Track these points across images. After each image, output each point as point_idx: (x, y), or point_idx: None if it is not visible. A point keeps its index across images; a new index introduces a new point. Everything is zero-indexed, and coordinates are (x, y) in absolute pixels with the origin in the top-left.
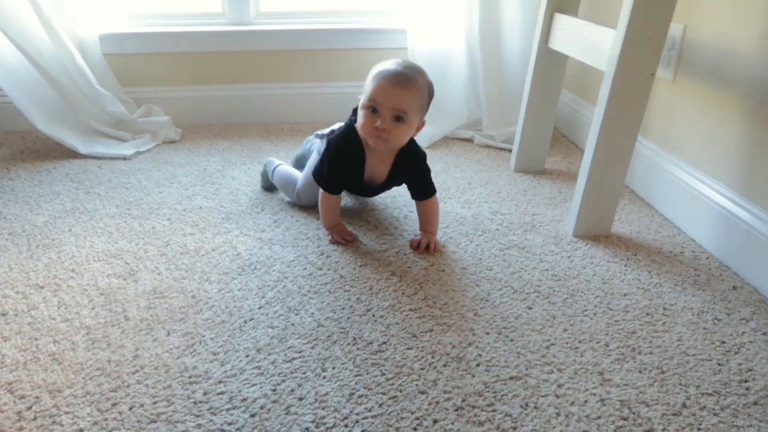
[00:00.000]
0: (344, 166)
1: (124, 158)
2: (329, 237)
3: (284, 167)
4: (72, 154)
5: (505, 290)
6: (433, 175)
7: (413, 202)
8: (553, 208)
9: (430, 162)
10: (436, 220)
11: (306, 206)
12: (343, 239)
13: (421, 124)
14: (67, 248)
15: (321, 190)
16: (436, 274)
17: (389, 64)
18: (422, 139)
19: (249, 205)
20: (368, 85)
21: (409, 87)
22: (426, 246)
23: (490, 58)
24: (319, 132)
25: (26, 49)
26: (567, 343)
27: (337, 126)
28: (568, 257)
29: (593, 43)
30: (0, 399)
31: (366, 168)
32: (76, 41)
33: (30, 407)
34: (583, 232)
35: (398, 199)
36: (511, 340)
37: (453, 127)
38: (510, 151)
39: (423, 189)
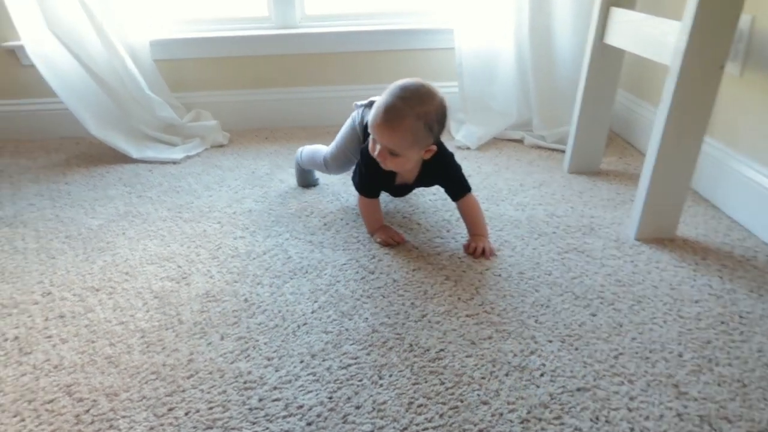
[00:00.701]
0: (377, 173)
1: (175, 162)
2: (376, 241)
3: (309, 146)
4: (124, 159)
5: (567, 296)
6: (483, 177)
7: None
8: (612, 210)
9: (479, 164)
10: (481, 220)
11: (335, 175)
12: (391, 239)
13: (429, 150)
14: (121, 251)
15: (359, 196)
16: (492, 278)
17: (389, 95)
18: (470, 140)
19: (298, 208)
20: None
21: (395, 128)
22: (482, 251)
23: (540, 55)
24: (359, 103)
25: (80, 56)
26: (636, 352)
27: (376, 98)
28: (632, 261)
29: (656, 37)
30: (59, 401)
31: (397, 175)
32: (127, 48)
33: (88, 410)
34: (647, 235)
35: (449, 201)
36: (576, 349)
37: (502, 127)
38: (562, 151)
39: (456, 188)
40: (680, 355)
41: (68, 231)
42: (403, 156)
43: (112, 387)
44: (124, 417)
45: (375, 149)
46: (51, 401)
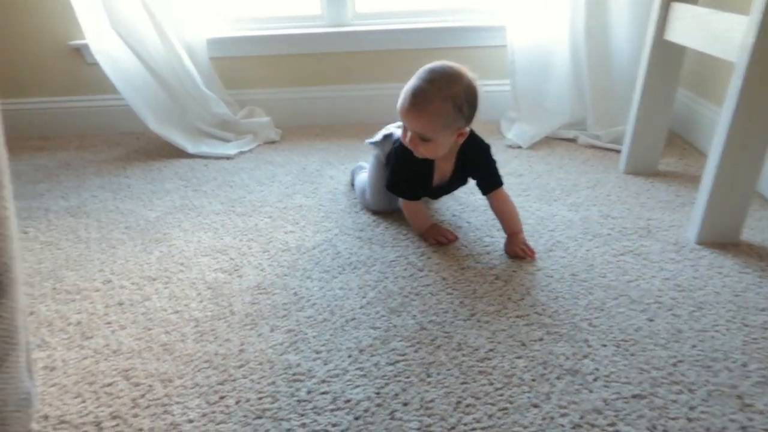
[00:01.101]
0: (414, 171)
1: (228, 158)
2: (429, 242)
3: (365, 173)
4: (181, 154)
5: (622, 299)
6: (535, 176)
7: (515, 203)
8: (670, 212)
9: (530, 164)
10: (516, 216)
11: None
12: (443, 238)
13: (462, 133)
14: (177, 243)
15: (401, 200)
16: (543, 279)
17: (416, 79)
18: (522, 139)
19: (348, 204)
20: None
21: (423, 110)
22: (522, 251)
23: (596, 53)
24: (371, 140)
25: (141, 54)
26: (697, 360)
27: (386, 131)
28: (692, 266)
29: (721, 32)
30: (117, 385)
31: (435, 169)
32: (185, 46)
33: (144, 395)
34: (708, 239)
35: None
36: (632, 355)
37: (555, 126)
38: (618, 151)
39: (488, 181)
40: (744, 365)
41: (128, 222)
42: (435, 140)
43: (167, 373)
44: (177, 403)
45: (406, 136)
46: (110, 384)
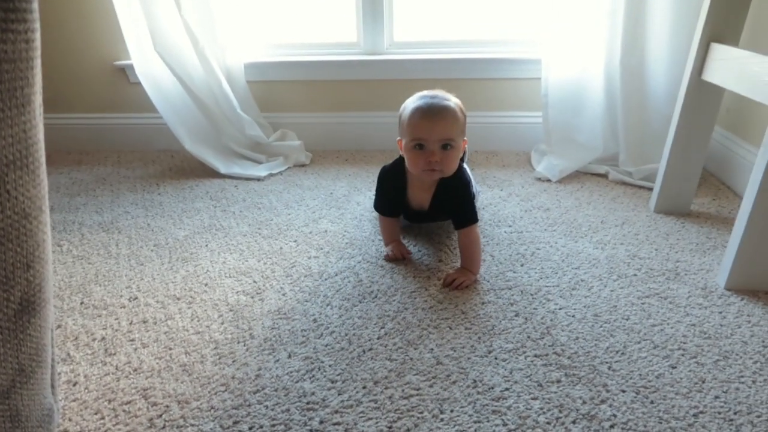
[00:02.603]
0: (388, 193)
1: (258, 179)
2: (385, 253)
3: None
4: (213, 173)
5: (644, 344)
6: (563, 211)
7: (540, 238)
8: (700, 255)
9: (558, 198)
10: (477, 256)
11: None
12: (399, 254)
13: (464, 143)
14: (202, 263)
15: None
16: (565, 318)
17: (418, 100)
18: (551, 172)
19: (372, 231)
20: (405, 125)
21: (446, 115)
22: (452, 282)
23: (631, 89)
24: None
25: (181, 76)
26: (719, 413)
27: None
28: (720, 313)
29: (760, 76)
30: (136, 404)
31: (409, 196)
32: (224, 69)
33: (161, 415)
34: (738, 285)
35: (525, 234)
36: (651, 402)
37: (586, 161)
38: (650, 189)
39: (462, 217)
40: None
41: (157, 240)
42: (455, 147)
43: (184, 395)
44: (192, 425)
45: (426, 156)
46: (128, 402)
